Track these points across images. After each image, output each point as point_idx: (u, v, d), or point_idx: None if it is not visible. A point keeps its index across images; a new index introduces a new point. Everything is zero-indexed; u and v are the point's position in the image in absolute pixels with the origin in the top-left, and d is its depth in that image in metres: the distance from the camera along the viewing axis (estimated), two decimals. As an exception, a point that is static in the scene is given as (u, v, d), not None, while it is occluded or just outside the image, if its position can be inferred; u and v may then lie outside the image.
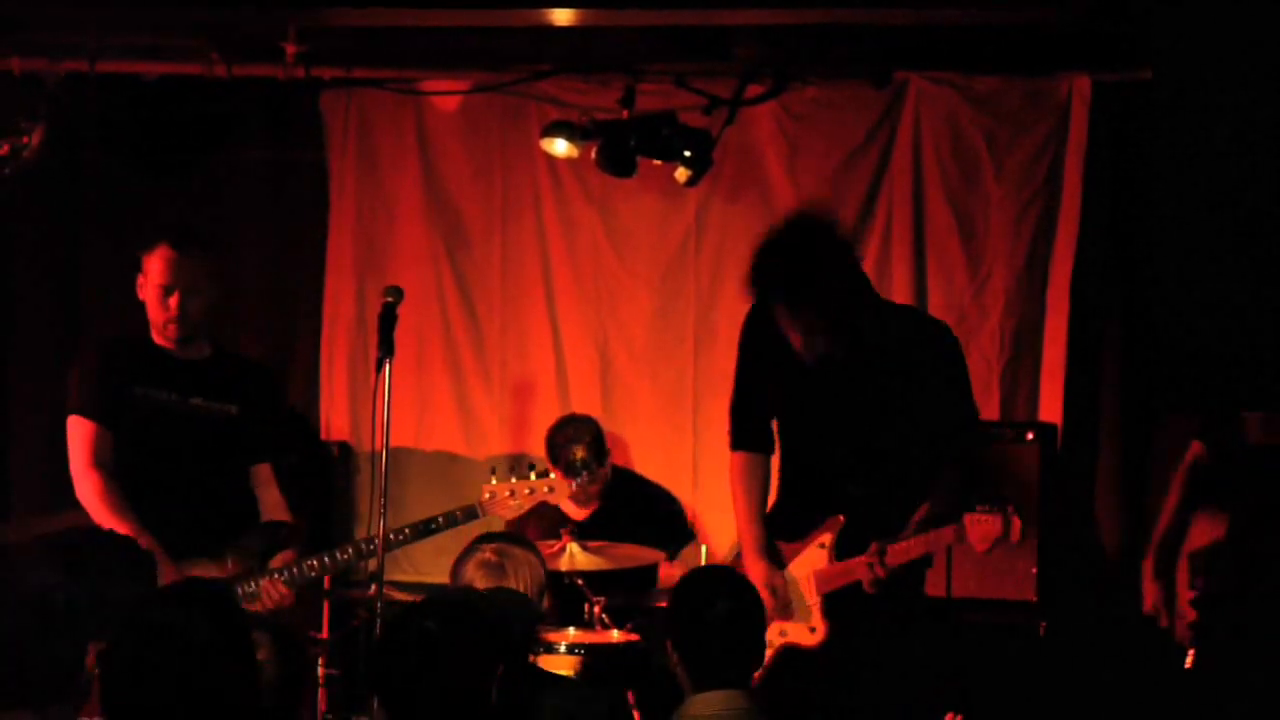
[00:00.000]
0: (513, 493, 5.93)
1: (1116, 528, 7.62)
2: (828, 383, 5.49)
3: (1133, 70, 7.44)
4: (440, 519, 5.84)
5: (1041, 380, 7.70)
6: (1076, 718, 6.80)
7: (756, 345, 5.68)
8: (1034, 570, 7.02)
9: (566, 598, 6.69)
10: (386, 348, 5.39)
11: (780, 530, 5.64)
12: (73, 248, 8.25)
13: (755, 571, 5.52)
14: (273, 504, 5.93)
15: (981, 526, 5.35)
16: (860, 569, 5.41)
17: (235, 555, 5.68)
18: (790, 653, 5.53)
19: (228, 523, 5.80)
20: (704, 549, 7.16)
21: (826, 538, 5.52)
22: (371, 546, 5.58)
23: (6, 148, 7.33)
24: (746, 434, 5.74)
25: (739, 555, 5.75)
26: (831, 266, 5.35)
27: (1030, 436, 7.22)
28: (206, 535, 5.71)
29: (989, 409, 7.51)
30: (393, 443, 5.45)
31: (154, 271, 5.75)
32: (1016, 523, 5.38)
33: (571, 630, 6.53)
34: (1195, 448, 6.59)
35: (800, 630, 5.50)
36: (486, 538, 5.22)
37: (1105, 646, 6.93)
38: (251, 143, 8.12)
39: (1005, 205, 7.69)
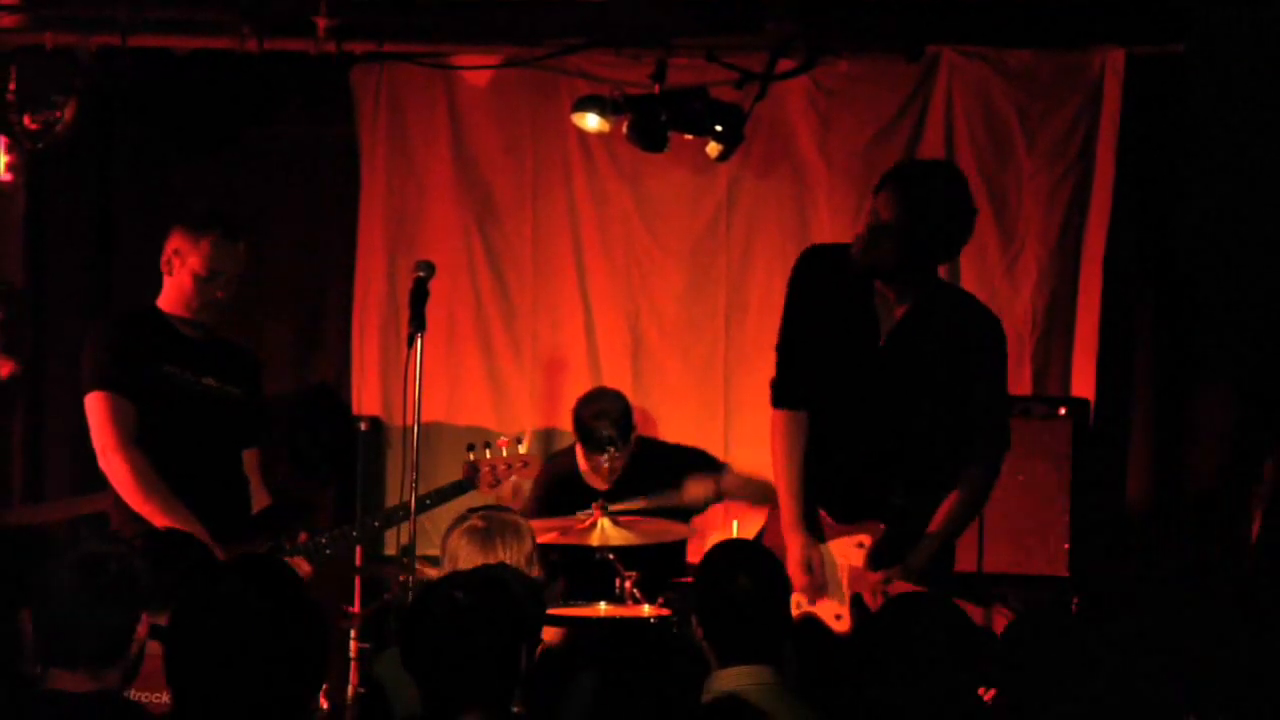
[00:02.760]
0: (493, 468, 6.14)
1: (1150, 503, 7.59)
2: (880, 356, 5.40)
3: (1166, 43, 7.40)
4: (431, 496, 6.00)
5: (1074, 355, 7.68)
6: (1109, 693, 6.76)
7: (810, 294, 5.51)
8: (1066, 546, 6.99)
9: (598, 572, 6.69)
10: (418, 322, 5.40)
11: (825, 502, 5.49)
12: (105, 223, 8.23)
13: (794, 544, 5.42)
14: (259, 487, 5.99)
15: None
16: (868, 587, 5.36)
17: (260, 537, 5.70)
18: (810, 624, 5.44)
19: (240, 505, 5.85)
20: (735, 524, 7.14)
21: (866, 539, 5.39)
22: (374, 524, 5.93)
23: (40, 122, 7.36)
24: (792, 386, 5.50)
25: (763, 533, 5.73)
26: (959, 197, 5.32)
27: (1063, 412, 7.19)
28: (227, 516, 5.74)
29: (1021, 384, 7.49)
30: (424, 417, 5.46)
31: (201, 256, 5.74)
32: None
33: (603, 605, 6.54)
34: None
35: (829, 610, 5.43)
36: (476, 508, 5.38)
37: (1138, 621, 6.90)
38: (282, 117, 8.10)
39: (1038, 180, 7.67)
